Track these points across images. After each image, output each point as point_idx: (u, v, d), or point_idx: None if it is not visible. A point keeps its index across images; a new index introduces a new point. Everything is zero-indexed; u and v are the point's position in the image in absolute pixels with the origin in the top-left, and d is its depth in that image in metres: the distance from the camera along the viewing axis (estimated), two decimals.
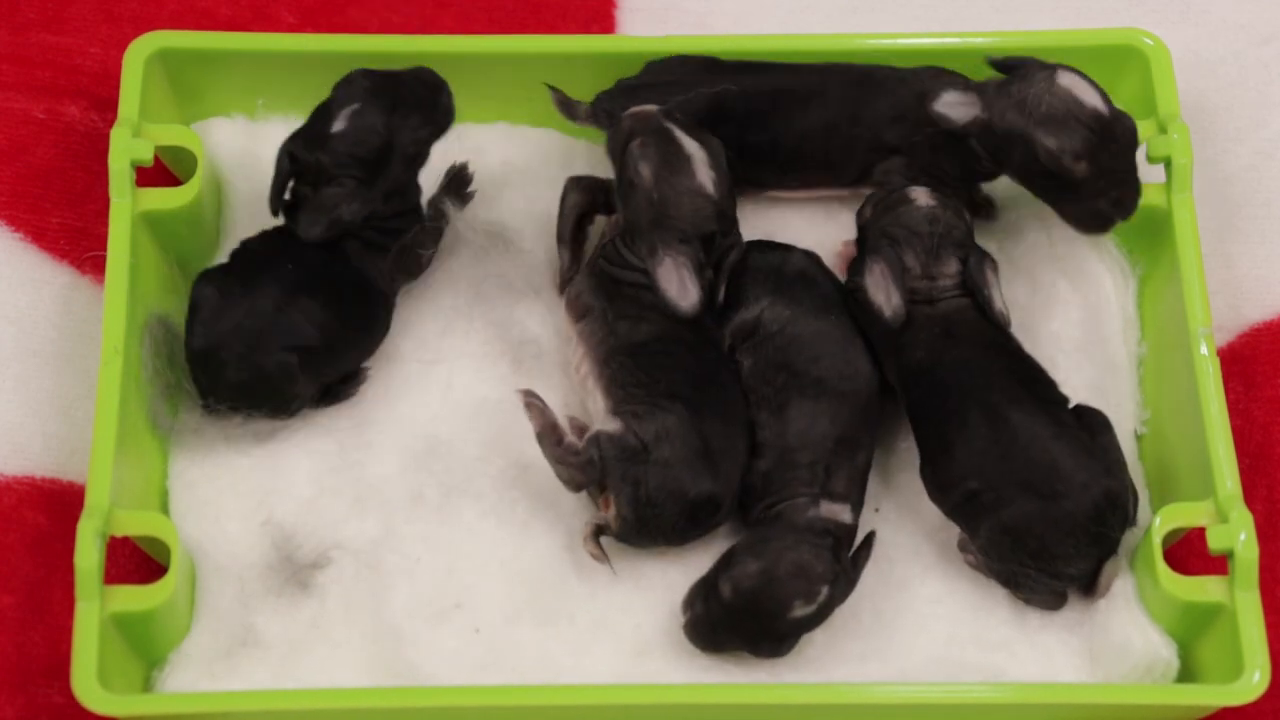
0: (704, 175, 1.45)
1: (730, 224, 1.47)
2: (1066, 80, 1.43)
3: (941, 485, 1.41)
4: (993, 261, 1.46)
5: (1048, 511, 1.37)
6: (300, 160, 1.45)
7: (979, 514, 1.39)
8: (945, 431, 1.41)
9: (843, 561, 1.38)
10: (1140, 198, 1.45)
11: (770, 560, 1.37)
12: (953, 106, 1.46)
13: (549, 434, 1.41)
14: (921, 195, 1.47)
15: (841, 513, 1.40)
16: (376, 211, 1.45)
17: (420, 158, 1.48)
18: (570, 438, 1.41)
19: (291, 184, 1.46)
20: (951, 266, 1.45)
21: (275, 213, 1.46)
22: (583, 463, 1.40)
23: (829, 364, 1.44)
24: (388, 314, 1.48)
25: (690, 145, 1.45)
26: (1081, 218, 1.45)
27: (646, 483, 1.39)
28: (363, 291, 1.46)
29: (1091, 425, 1.41)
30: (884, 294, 1.44)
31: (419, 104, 1.47)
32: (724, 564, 1.38)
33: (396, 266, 1.48)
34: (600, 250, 1.48)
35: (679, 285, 1.44)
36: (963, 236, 1.46)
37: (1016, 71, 1.45)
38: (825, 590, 1.37)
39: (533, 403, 1.42)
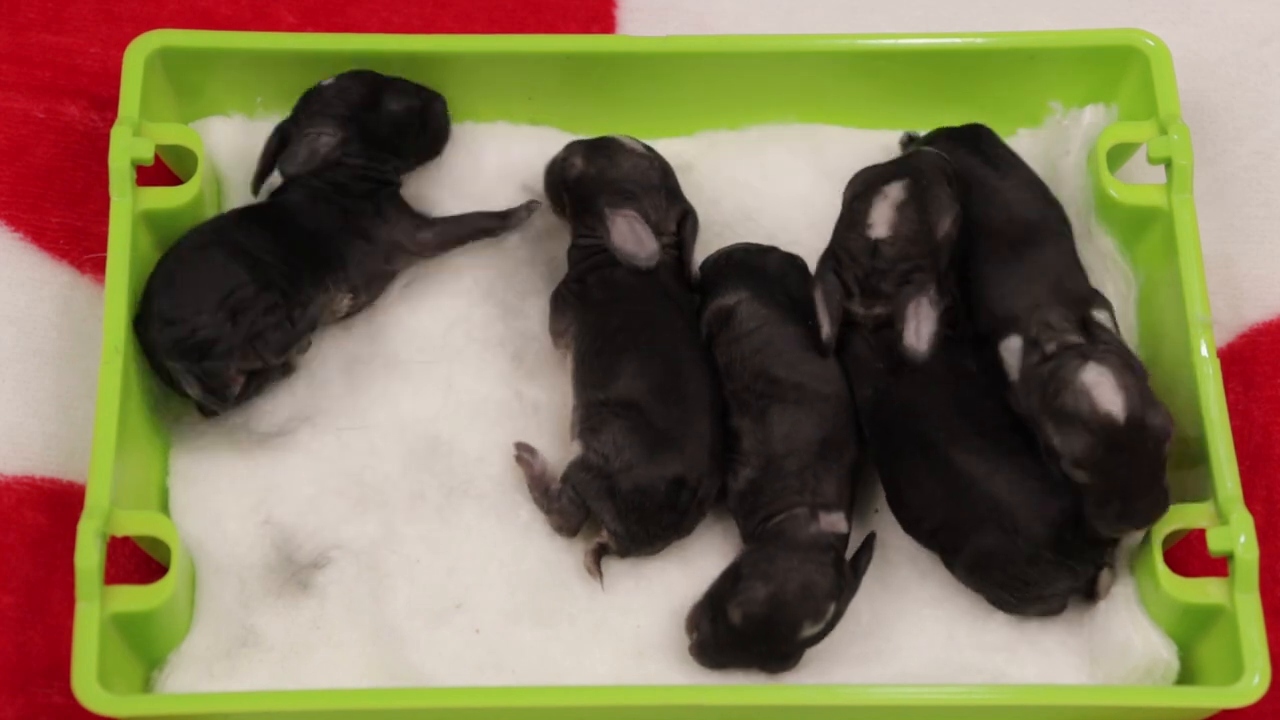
0: (632, 144, 1.50)
1: (675, 184, 1.50)
2: (1090, 376, 1.34)
3: (905, 524, 1.42)
4: (931, 293, 1.41)
5: (1006, 546, 1.37)
6: (289, 133, 1.48)
7: (946, 551, 1.40)
8: (894, 476, 1.41)
9: (844, 572, 1.38)
10: (1160, 509, 1.36)
11: (778, 583, 1.37)
12: (1010, 354, 1.40)
13: (537, 485, 1.43)
14: (880, 220, 1.43)
15: (839, 523, 1.40)
16: (350, 161, 1.48)
17: (404, 134, 1.50)
18: (555, 485, 1.42)
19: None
20: (887, 297, 1.43)
21: (255, 190, 1.49)
22: (563, 506, 1.41)
23: (808, 369, 1.44)
24: (337, 266, 1.47)
25: (612, 136, 1.51)
26: (1093, 516, 1.36)
27: (619, 492, 1.40)
28: (308, 238, 1.47)
29: None
30: (820, 315, 1.43)
31: (413, 87, 1.51)
32: (729, 585, 1.38)
33: (389, 249, 1.49)
34: (568, 265, 1.50)
35: (634, 239, 1.46)
36: (908, 269, 1.42)
37: (1055, 356, 1.37)
38: (833, 607, 1.37)
39: (522, 456, 1.44)
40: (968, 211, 1.45)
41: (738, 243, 1.52)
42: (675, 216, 1.49)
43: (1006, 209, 1.46)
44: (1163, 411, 1.35)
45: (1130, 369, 1.36)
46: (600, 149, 1.50)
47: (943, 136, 1.51)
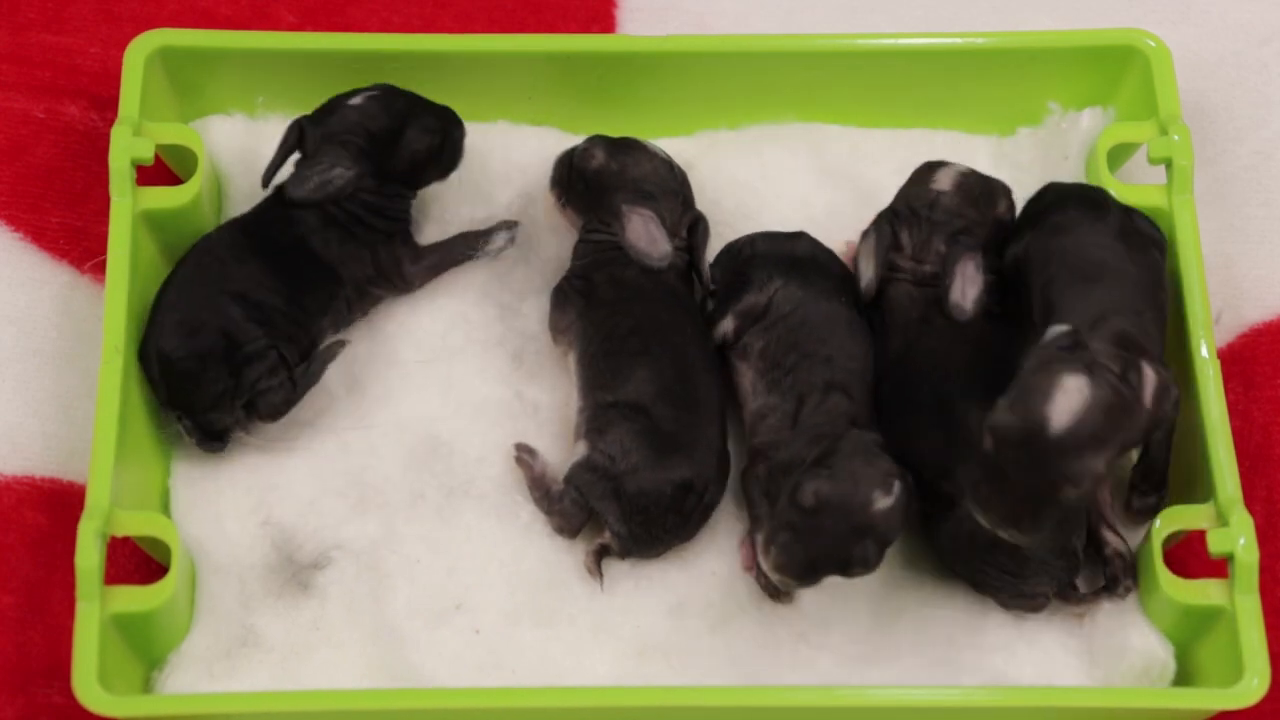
0: (654, 148, 1.51)
1: (690, 194, 1.50)
2: (1071, 383, 1.30)
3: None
4: (978, 258, 1.44)
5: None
6: (307, 133, 1.46)
7: (937, 508, 1.39)
8: (903, 426, 1.41)
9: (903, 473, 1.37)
10: (1022, 539, 1.32)
11: (840, 465, 1.35)
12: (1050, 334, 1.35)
13: (537, 486, 1.43)
14: (944, 178, 1.48)
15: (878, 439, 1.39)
16: (364, 195, 1.46)
17: (421, 168, 1.48)
18: (557, 486, 1.42)
19: (294, 159, 1.48)
20: (936, 254, 1.46)
21: (266, 184, 1.47)
22: (565, 508, 1.41)
23: (837, 344, 1.44)
24: (337, 290, 1.47)
25: (634, 138, 1.50)
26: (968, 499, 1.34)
27: (624, 494, 1.40)
28: (313, 263, 1.46)
29: None
30: (864, 265, 1.46)
31: (435, 116, 1.49)
32: (793, 492, 1.35)
33: (381, 273, 1.48)
34: (572, 259, 1.50)
35: (647, 238, 1.46)
36: (960, 226, 1.46)
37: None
38: (898, 484, 1.35)
39: (522, 457, 1.44)
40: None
41: (759, 232, 1.52)
42: (687, 223, 1.49)
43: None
44: (1097, 465, 1.29)
45: (1112, 409, 1.30)
46: (623, 147, 1.50)
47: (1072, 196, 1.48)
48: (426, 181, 1.50)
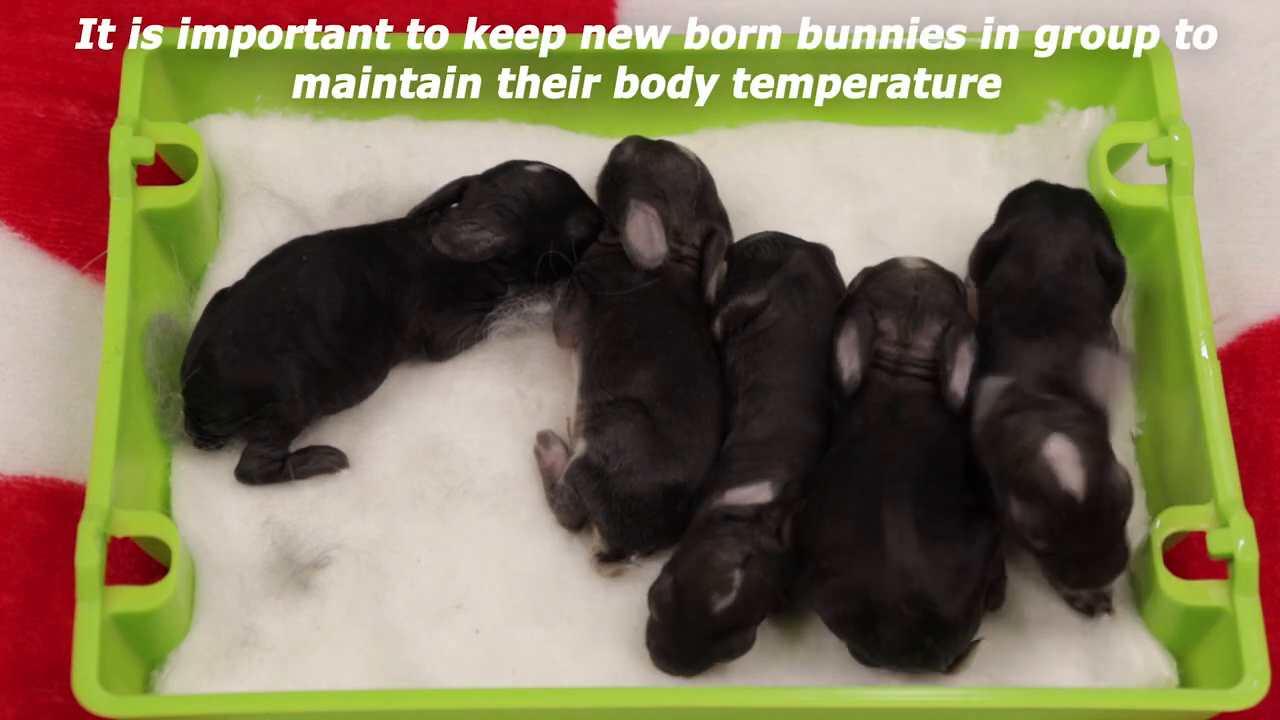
0: (684, 149, 1.50)
1: (711, 200, 1.50)
2: (1054, 450, 1.32)
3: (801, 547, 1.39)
4: (974, 341, 1.42)
5: (867, 612, 1.35)
6: (471, 188, 1.47)
7: (817, 582, 1.37)
8: (823, 501, 1.38)
9: (757, 539, 1.37)
10: (1118, 571, 1.35)
11: (678, 567, 1.37)
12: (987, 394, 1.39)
13: (545, 478, 1.44)
14: (911, 260, 1.45)
15: (754, 495, 1.38)
16: (488, 265, 1.46)
17: (558, 262, 1.48)
18: (561, 481, 1.42)
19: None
20: (929, 336, 1.42)
21: (414, 217, 1.48)
22: (565, 503, 1.42)
23: (797, 369, 1.44)
24: (394, 339, 1.46)
25: (671, 140, 1.51)
26: (1051, 580, 1.38)
27: (615, 494, 1.40)
28: (385, 326, 1.45)
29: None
30: (846, 358, 1.42)
31: (599, 214, 1.49)
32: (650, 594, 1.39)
33: (429, 344, 1.48)
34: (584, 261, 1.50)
35: (646, 237, 1.46)
36: (949, 303, 1.43)
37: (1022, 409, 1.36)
38: (738, 574, 1.35)
39: (537, 447, 1.44)
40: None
41: (767, 233, 1.51)
42: (701, 230, 1.48)
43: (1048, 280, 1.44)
44: (1122, 480, 1.34)
45: (1090, 441, 1.33)
46: (651, 145, 1.51)
47: (1044, 193, 1.49)
48: (546, 274, 1.49)
